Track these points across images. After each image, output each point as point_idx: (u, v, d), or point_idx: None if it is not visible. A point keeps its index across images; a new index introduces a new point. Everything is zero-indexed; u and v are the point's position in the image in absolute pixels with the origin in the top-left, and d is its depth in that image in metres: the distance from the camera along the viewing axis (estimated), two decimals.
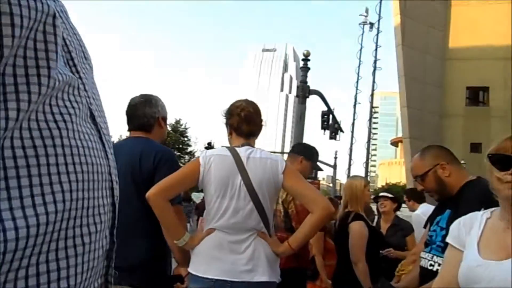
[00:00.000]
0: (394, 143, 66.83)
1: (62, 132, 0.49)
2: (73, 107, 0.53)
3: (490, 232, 1.40)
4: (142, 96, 2.12)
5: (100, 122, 0.60)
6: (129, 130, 2.13)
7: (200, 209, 8.96)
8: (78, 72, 0.58)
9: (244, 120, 1.90)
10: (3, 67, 0.44)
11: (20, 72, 0.46)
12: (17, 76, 0.45)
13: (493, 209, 1.43)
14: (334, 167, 22.70)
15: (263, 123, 1.99)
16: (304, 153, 2.82)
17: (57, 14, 0.49)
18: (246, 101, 1.96)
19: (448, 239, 1.53)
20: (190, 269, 1.81)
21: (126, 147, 2.01)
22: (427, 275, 1.64)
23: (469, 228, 1.47)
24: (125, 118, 2.12)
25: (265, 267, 1.75)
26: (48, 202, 0.47)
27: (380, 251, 3.72)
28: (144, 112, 2.05)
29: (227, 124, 1.96)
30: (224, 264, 1.73)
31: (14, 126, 0.45)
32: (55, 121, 0.49)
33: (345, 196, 2.91)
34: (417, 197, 4.19)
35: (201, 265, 1.77)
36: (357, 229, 2.69)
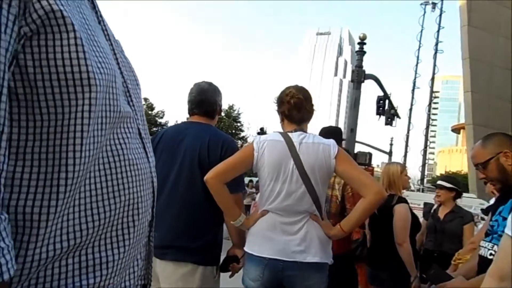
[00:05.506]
0: (455, 130, 63.09)
1: (124, 151, 0.74)
2: (130, 132, 0.76)
3: None
4: (209, 83, 2.19)
5: (144, 137, 0.83)
6: (193, 114, 2.15)
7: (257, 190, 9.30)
8: (132, 100, 0.79)
9: (294, 108, 1.93)
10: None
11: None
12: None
13: None
14: (390, 154, 21.93)
15: (314, 107, 2.00)
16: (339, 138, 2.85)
17: (117, 79, 0.70)
18: (296, 87, 1.98)
19: (506, 230, 1.47)
20: (246, 248, 1.90)
21: (192, 132, 2.05)
22: (487, 264, 1.58)
23: None
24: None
25: (317, 248, 1.79)
26: (116, 196, 0.71)
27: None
28: (215, 99, 2.14)
29: (278, 111, 2.00)
30: (277, 244, 1.79)
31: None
32: (121, 143, 0.74)
33: (383, 181, 2.97)
34: None
35: (255, 244, 1.85)
36: (402, 211, 2.76)
